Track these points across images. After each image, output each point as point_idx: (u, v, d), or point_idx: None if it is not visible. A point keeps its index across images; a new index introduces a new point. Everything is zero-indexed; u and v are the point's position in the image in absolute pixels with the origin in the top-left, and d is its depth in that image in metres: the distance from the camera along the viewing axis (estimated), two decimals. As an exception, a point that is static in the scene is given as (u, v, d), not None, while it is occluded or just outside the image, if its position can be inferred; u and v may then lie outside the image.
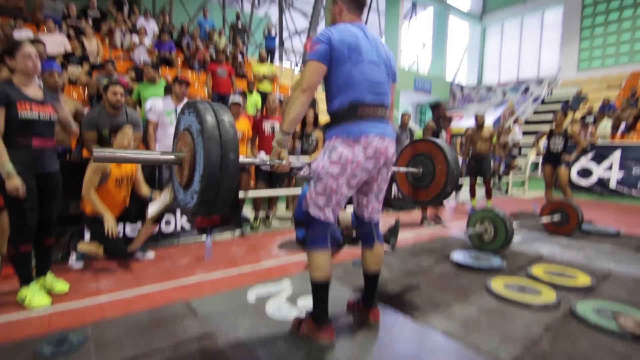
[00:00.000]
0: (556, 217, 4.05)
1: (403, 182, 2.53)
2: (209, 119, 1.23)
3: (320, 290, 1.66)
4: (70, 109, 3.05)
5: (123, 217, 2.94)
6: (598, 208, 6.23)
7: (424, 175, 2.38)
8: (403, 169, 2.38)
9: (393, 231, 3.40)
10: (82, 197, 2.65)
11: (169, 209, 3.21)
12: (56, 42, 5.94)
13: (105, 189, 2.71)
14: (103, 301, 2.17)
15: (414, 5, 16.75)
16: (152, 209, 2.84)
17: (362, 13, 1.73)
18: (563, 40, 13.57)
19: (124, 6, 8.15)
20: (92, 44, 6.44)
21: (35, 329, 1.82)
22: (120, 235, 2.78)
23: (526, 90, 13.89)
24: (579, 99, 11.16)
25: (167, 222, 3.48)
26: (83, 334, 1.73)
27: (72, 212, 2.90)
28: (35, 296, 2.08)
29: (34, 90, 2.13)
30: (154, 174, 3.45)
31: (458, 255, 3.08)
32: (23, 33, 5.86)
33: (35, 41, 3.48)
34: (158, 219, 2.92)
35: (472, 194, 5.86)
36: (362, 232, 1.87)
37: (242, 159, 1.49)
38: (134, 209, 2.97)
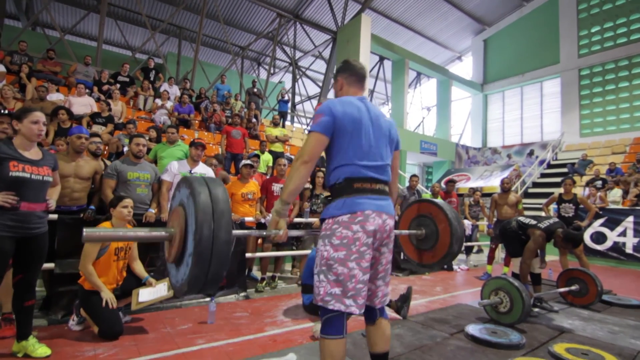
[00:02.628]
0: (574, 287, 3.88)
1: (408, 246, 2.44)
2: (203, 198, 1.19)
3: None
4: (91, 169, 3.19)
5: (121, 292, 2.79)
6: (616, 275, 5.97)
7: (428, 236, 2.30)
8: (405, 232, 2.31)
9: (405, 299, 3.28)
10: (80, 271, 2.59)
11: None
12: (84, 104, 6.40)
13: (105, 260, 2.67)
14: (99, 370, 2.07)
15: (418, 75, 17.86)
16: (144, 297, 2.71)
17: (363, 86, 1.75)
18: (563, 108, 14.09)
19: (150, 73, 8.86)
20: (118, 106, 6.90)
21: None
22: (118, 309, 2.64)
23: (531, 153, 14.13)
24: (585, 163, 11.27)
25: (172, 283, 3.41)
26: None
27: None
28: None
29: (32, 152, 2.20)
30: (147, 257, 3.31)
31: (474, 329, 2.91)
32: (54, 96, 6.35)
33: (61, 107, 3.77)
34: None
35: (490, 259, 5.70)
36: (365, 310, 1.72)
37: (236, 231, 1.45)
38: (132, 282, 2.87)
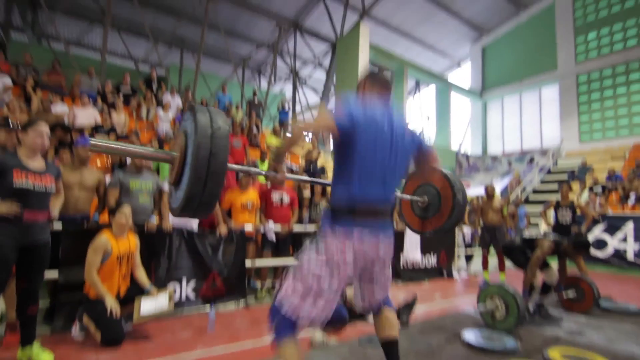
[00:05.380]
0: (571, 293, 3.90)
1: (410, 216, 2.40)
2: (203, 120, 1.24)
3: None
4: (94, 179, 3.28)
5: (123, 300, 2.82)
6: (617, 282, 5.96)
7: (431, 203, 2.24)
8: (408, 197, 2.27)
9: (408, 307, 3.30)
10: (85, 280, 2.66)
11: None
12: (88, 115, 6.51)
13: (108, 267, 2.73)
14: (101, 377, 2.12)
15: (417, 83, 18.02)
16: (146, 308, 2.75)
17: (386, 87, 1.73)
18: (562, 115, 14.18)
19: (152, 84, 9.01)
20: (121, 117, 7.02)
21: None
22: (120, 317, 2.67)
23: (531, 160, 14.18)
24: (585, 169, 11.31)
25: (173, 290, 3.46)
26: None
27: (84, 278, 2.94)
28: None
29: (36, 162, 2.27)
30: (150, 265, 3.36)
31: (469, 335, 2.95)
32: (59, 107, 6.48)
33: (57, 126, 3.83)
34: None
35: (485, 265, 5.75)
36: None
37: (233, 165, 1.50)
38: (134, 290, 2.91)
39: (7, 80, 6.55)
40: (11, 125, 2.85)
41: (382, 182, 1.55)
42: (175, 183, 1.35)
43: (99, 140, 1.27)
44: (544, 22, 14.76)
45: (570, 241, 3.62)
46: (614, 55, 12.89)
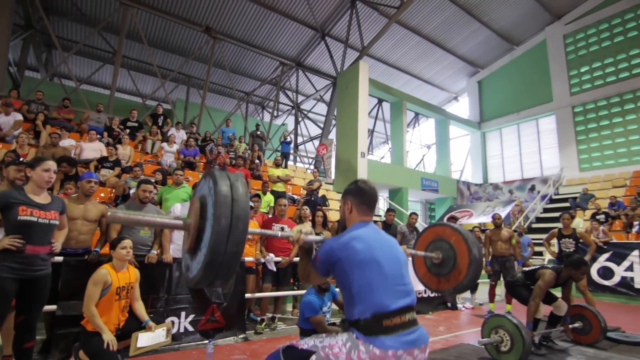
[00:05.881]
0: (577, 324, 3.81)
1: (423, 271, 2.31)
2: (224, 186, 1.21)
3: None
4: (98, 212, 3.34)
5: (121, 334, 2.78)
6: (626, 311, 5.81)
7: (445, 260, 2.15)
8: (421, 253, 2.19)
9: None
10: (83, 313, 2.64)
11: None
12: (94, 149, 6.71)
13: (107, 300, 2.72)
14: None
15: (416, 115, 18.45)
16: (143, 342, 2.72)
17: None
18: (560, 144, 14.34)
19: (158, 119, 9.31)
20: (126, 150, 7.21)
21: None
22: (116, 351, 2.60)
23: (532, 188, 14.20)
24: (587, 197, 11.29)
25: (172, 323, 3.42)
26: None
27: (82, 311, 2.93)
28: None
29: (41, 197, 2.37)
30: (149, 297, 3.35)
31: (473, 368, 2.87)
32: (66, 142, 6.68)
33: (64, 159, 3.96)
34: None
35: (491, 297, 5.65)
36: None
37: (251, 229, 1.45)
38: (132, 324, 2.88)
39: (18, 116, 6.82)
40: (20, 162, 2.97)
41: (397, 289, 1.47)
42: (191, 251, 1.32)
43: (117, 211, 1.27)
44: (537, 57, 15.31)
45: (568, 262, 3.59)
46: (607, 87, 13.23)
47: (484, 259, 6.28)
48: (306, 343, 1.54)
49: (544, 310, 3.70)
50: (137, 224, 1.34)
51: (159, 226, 1.33)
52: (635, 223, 8.63)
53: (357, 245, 1.48)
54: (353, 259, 1.46)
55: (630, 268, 7.13)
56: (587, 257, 5.35)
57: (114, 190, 5.95)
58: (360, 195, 1.65)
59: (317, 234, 4.94)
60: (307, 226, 1.67)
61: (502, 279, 5.56)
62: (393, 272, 1.48)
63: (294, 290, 4.88)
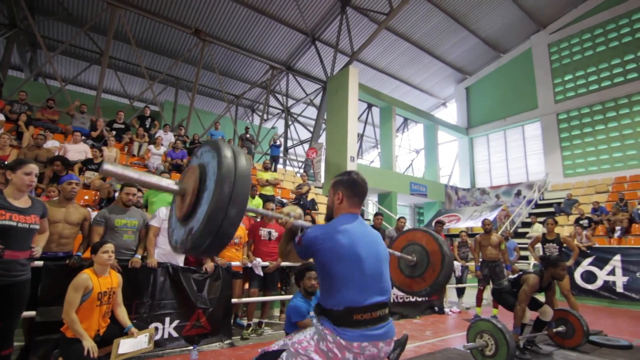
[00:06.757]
0: (561, 328, 3.87)
1: (398, 276, 2.39)
2: (228, 154, 1.22)
3: None
4: (80, 216, 3.27)
5: (102, 340, 2.70)
6: (608, 315, 5.92)
7: (418, 262, 2.25)
8: (398, 254, 2.26)
9: (399, 344, 3.24)
10: (63, 319, 2.56)
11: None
12: (79, 151, 6.57)
13: (87, 306, 2.65)
14: None
15: (405, 120, 18.63)
16: (125, 349, 2.65)
17: (361, 205, 1.70)
18: (545, 150, 14.66)
19: (146, 121, 9.18)
20: (112, 152, 7.09)
21: None
22: (97, 358, 2.52)
23: (518, 193, 14.44)
24: (571, 202, 11.53)
25: (155, 329, 3.35)
26: None
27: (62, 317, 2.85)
28: None
29: (21, 201, 2.29)
30: (132, 303, 3.30)
31: (458, 372, 2.89)
32: (50, 143, 6.53)
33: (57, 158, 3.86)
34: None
35: (479, 301, 5.70)
36: None
37: (248, 206, 1.43)
38: (114, 330, 2.81)
39: (0, 117, 6.64)
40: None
41: (374, 286, 1.52)
42: (185, 217, 1.31)
43: (111, 165, 1.22)
44: (523, 65, 15.66)
45: (549, 261, 3.66)
46: (590, 95, 13.60)
47: (474, 263, 6.36)
48: (276, 344, 1.59)
49: (531, 314, 3.75)
50: (130, 180, 1.28)
51: (153, 187, 1.28)
52: (617, 228, 8.85)
53: (342, 239, 1.50)
54: (336, 251, 1.48)
55: (612, 272, 7.30)
56: (570, 262, 5.45)
57: (98, 193, 5.84)
58: (352, 188, 1.65)
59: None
60: (297, 209, 1.65)
61: (491, 284, 5.61)
62: (372, 270, 1.51)
63: (281, 295, 4.85)
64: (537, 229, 9.73)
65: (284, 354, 1.52)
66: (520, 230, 11.85)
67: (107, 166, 1.20)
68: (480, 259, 5.69)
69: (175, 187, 1.37)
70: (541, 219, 11.54)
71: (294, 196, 8.14)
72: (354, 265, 1.48)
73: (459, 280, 6.87)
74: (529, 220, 12.46)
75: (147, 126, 9.11)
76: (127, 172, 1.25)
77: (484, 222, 5.81)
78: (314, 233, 1.55)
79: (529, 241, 9.96)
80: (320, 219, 7.67)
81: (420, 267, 2.25)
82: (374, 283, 1.52)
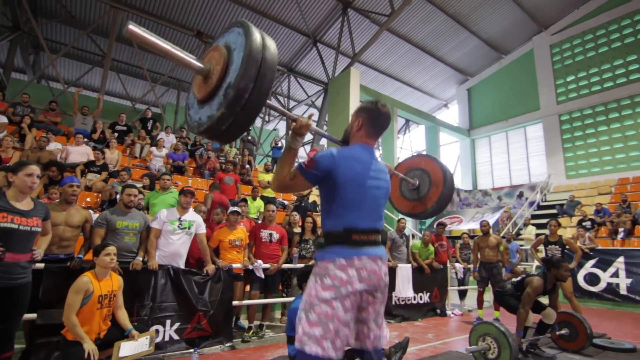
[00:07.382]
0: (564, 331, 3.84)
1: (399, 199, 2.49)
2: (256, 35, 1.21)
3: None
4: (81, 218, 3.27)
5: (102, 343, 2.70)
6: (612, 317, 5.88)
7: (420, 185, 2.34)
8: (401, 175, 2.33)
9: (400, 347, 3.23)
10: (64, 322, 2.56)
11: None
12: (81, 153, 6.59)
13: (88, 309, 2.64)
14: None
15: (407, 122, 18.61)
16: (125, 351, 2.65)
17: (378, 137, 1.73)
18: (547, 151, 14.59)
19: (148, 123, 9.21)
20: (114, 154, 7.10)
21: None
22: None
23: (520, 195, 14.38)
24: (573, 204, 11.47)
25: (156, 331, 3.35)
26: None
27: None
28: None
29: (23, 203, 2.29)
30: (133, 305, 3.30)
31: (460, 376, 2.87)
32: (52, 145, 6.55)
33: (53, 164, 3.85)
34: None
35: (480, 303, 5.66)
36: None
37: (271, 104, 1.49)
38: (115, 333, 2.80)
39: (3, 119, 6.67)
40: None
41: (371, 215, 1.60)
42: (207, 99, 1.30)
43: (136, 26, 1.18)
44: (524, 66, 15.62)
45: (552, 263, 3.64)
46: (592, 96, 13.54)
47: (472, 265, 6.33)
48: (295, 332, 1.53)
49: (533, 317, 3.73)
50: (151, 45, 1.23)
51: (175, 58, 1.20)
52: (620, 230, 8.80)
53: (357, 166, 1.58)
54: (348, 176, 1.55)
55: (615, 274, 7.25)
56: (573, 264, 5.41)
57: (100, 195, 5.85)
58: (375, 117, 1.69)
59: (306, 240, 4.87)
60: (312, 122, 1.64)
61: (490, 285, 5.59)
62: (373, 198, 1.61)
63: (282, 297, 4.83)
64: (531, 231, 9.79)
65: (302, 314, 1.50)
66: (523, 231, 11.79)
67: (132, 26, 1.17)
68: (479, 261, 5.67)
69: (200, 65, 1.34)
70: (535, 222, 11.56)
71: (295, 198, 8.13)
72: (359, 193, 1.56)
73: (461, 282, 6.84)
74: (531, 222, 12.41)
75: (149, 128, 9.13)
76: (151, 36, 1.22)
77: (481, 224, 5.79)
78: (330, 153, 1.57)
79: (523, 242, 9.99)
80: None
81: (424, 188, 2.35)
82: (372, 210, 1.61)
